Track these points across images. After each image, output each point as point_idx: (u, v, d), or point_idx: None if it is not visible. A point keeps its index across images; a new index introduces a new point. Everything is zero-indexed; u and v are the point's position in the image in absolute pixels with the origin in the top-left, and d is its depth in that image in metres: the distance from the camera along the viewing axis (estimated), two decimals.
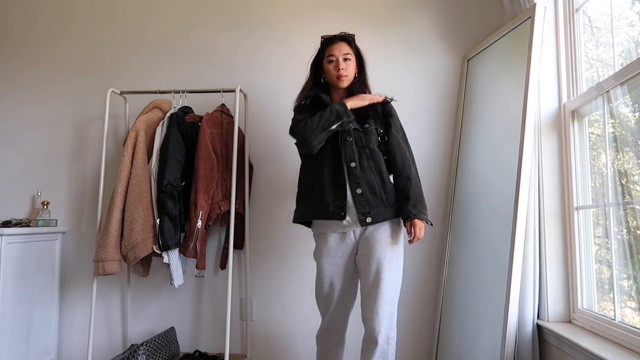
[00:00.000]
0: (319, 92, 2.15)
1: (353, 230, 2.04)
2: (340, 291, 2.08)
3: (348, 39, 2.16)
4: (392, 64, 2.80)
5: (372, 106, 2.12)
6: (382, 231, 2.01)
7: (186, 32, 2.92)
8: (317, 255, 2.11)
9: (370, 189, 2.01)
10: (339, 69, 2.09)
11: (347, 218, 2.00)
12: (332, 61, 2.11)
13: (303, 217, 2.13)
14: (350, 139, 2.05)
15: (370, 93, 2.18)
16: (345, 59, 2.10)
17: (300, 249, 2.73)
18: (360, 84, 2.17)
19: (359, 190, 2.00)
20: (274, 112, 2.82)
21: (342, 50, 2.11)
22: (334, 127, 2.02)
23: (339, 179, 2.02)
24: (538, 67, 2.14)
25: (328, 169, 2.04)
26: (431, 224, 2.19)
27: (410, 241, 2.00)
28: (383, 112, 2.14)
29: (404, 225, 2.05)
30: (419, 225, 1.98)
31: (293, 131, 2.09)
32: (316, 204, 2.05)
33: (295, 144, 2.12)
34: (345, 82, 2.12)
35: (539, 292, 2.15)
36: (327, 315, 2.11)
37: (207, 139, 2.45)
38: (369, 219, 1.98)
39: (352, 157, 2.03)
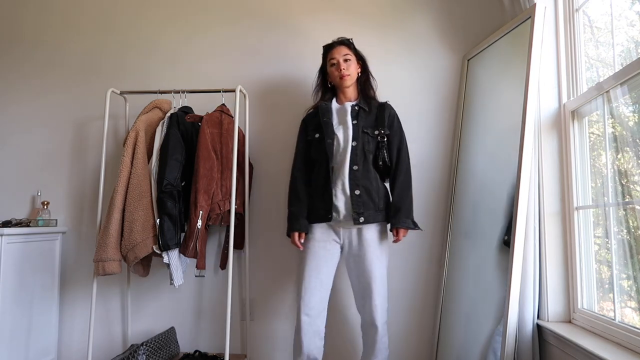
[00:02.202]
0: (323, 99, 2.40)
1: (343, 227, 2.24)
2: (325, 275, 2.23)
3: (346, 42, 2.37)
4: (392, 64, 2.80)
5: (380, 114, 2.32)
6: (372, 233, 2.23)
7: (186, 32, 2.92)
8: (307, 243, 2.28)
9: (367, 192, 2.20)
10: (340, 69, 2.30)
11: (344, 214, 2.20)
12: (334, 64, 2.33)
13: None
14: (356, 144, 2.23)
15: (374, 91, 2.43)
16: (346, 60, 2.32)
17: None
18: (364, 82, 2.40)
19: (357, 192, 2.18)
20: (274, 112, 2.82)
21: (341, 52, 2.33)
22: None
23: (343, 180, 2.22)
24: (538, 67, 2.14)
25: (330, 170, 2.23)
26: (421, 229, 2.34)
27: (394, 241, 2.25)
28: (389, 120, 2.34)
29: (390, 230, 2.26)
30: (404, 232, 2.24)
31: (292, 175, 2.38)
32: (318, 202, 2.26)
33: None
34: (349, 81, 2.33)
35: (539, 292, 2.15)
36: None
37: (207, 139, 2.45)
38: (361, 219, 2.18)
39: (355, 161, 2.21)
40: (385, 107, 2.37)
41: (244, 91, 2.68)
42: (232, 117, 2.56)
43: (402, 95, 2.77)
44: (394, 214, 2.22)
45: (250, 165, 2.72)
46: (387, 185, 2.37)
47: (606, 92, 1.88)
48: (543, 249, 2.16)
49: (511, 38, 2.37)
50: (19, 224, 2.65)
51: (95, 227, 2.65)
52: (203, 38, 2.91)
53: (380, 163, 2.27)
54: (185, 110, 2.61)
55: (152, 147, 2.48)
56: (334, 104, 2.38)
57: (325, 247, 2.25)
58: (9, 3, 3.05)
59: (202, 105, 2.68)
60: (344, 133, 2.27)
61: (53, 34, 3.00)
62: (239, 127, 2.51)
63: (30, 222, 2.69)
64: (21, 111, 2.97)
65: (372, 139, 2.27)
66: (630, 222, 1.81)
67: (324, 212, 2.22)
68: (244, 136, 2.67)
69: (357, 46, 2.42)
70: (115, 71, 2.93)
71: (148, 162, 2.47)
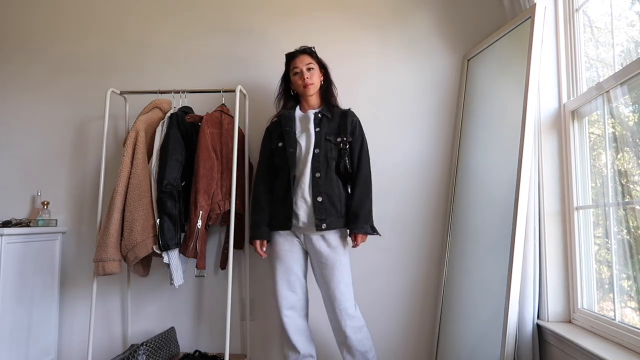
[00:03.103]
0: (286, 107, 2.42)
1: (304, 233, 2.27)
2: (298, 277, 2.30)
3: (309, 51, 2.37)
4: (392, 64, 2.80)
5: (343, 121, 2.32)
6: (334, 238, 2.25)
7: (186, 32, 2.92)
8: (272, 249, 2.32)
9: (329, 198, 2.22)
10: (304, 79, 2.31)
11: (304, 222, 2.22)
12: (297, 73, 2.34)
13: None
14: (318, 151, 2.25)
15: (336, 98, 2.42)
16: (309, 69, 2.33)
17: None
18: (326, 90, 2.40)
19: (319, 199, 2.21)
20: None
21: (304, 61, 2.33)
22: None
23: (303, 187, 2.24)
24: (538, 67, 2.14)
25: (292, 178, 2.25)
26: (379, 235, 2.34)
27: (353, 246, 2.28)
28: (352, 127, 2.33)
29: (349, 235, 2.29)
30: (363, 238, 2.27)
31: (255, 184, 2.42)
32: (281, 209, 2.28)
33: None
34: (312, 90, 2.34)
35: (539, 292, 2.15)
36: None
37: (207, 139, 2.45)
38: (324, 225, 2.20)
39: (318, 168, 2.23)
40: (347, 114, 2.37)
41: (244, 91, 2.68)
42: (232, 117, 2.56)
43: (402, 94, 2.77)
44: (352, 220, 2.24)
45: (250, 165, 2.72)
46: None
47: (606, 92, 1.88)
48: (543, 249, 2.16)
49: (511, 38, 2.37)
50: (19, 224, 2.65)
51: (95, 227, 2.65)
52: (203, 38, 2.91)
53: (342, 170, 2.28)
54: (185, 110, 2.61)
55: (152, 147, 2.48)
56: (298, 112, 2.39)
57: (291, 250, 2.29)
58: (5, 3, 3.05)
59: (202, 105, 2.68)
60: (306, 141, 2.29)
61: (53, 34, 3.00)
62: (239, 127, 2.51)
63: (30, 222, 2.69)
64: (21, 111, 2.96)
65: (335, 146, 2.28)
66: (630, 222, 1.81)
67: (284, 220, 2.24)
68: (244, 136, 2.67)
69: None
70: (115, 71, 2.93)
71: (148, 162, 2.47)
